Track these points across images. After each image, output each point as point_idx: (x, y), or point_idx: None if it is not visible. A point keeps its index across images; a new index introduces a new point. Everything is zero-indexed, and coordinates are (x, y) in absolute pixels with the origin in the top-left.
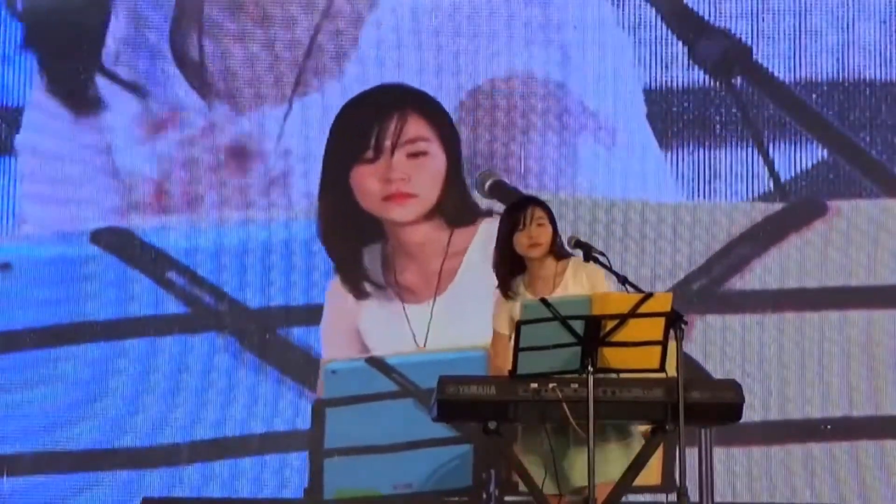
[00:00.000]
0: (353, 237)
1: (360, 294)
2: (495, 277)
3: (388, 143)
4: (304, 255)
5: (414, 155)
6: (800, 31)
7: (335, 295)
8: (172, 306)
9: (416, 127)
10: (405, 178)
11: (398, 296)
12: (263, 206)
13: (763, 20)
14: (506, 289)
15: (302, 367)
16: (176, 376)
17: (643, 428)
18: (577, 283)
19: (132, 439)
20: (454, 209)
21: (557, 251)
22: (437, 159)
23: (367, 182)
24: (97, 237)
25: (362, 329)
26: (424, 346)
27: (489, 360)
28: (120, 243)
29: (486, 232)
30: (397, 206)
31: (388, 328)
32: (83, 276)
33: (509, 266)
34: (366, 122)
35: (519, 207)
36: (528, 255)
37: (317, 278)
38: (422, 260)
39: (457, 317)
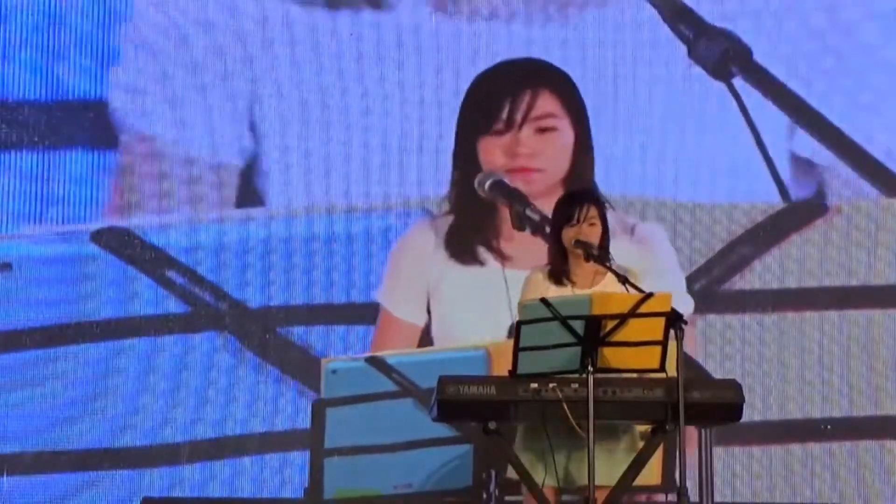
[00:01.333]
0: (469, 208)
1: (469, 259)
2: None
3: (518, 117)
4: (305, 253)
5: (542, 130)
6: (799, 30)
7: (414, 256)
8: (173, 305)
9: (548, 103)
10: (531, 153)
11: (499, 258)
12: (263, 204)
13: (763, 20)
14: (555, 277)
15: (302, 367)
16: (176, 376)
17: (643, 428)
18: (617, 285)
19: (132, 439)
20: (578, 185)
21: (590, 247)
22: (565, 135)
23: (494, 154)
24: (97, 236)
25: (445, 291)
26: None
27: (492, 357)
28: (120, 242)
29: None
30: (521, 180)
31: (483, 292)
32: (83, 276)
33: (559, 257)
34: (499, 95)
35: (574, 202)
36: (572, 250)
37: (317, 277)
38: (530, 240)
39: None
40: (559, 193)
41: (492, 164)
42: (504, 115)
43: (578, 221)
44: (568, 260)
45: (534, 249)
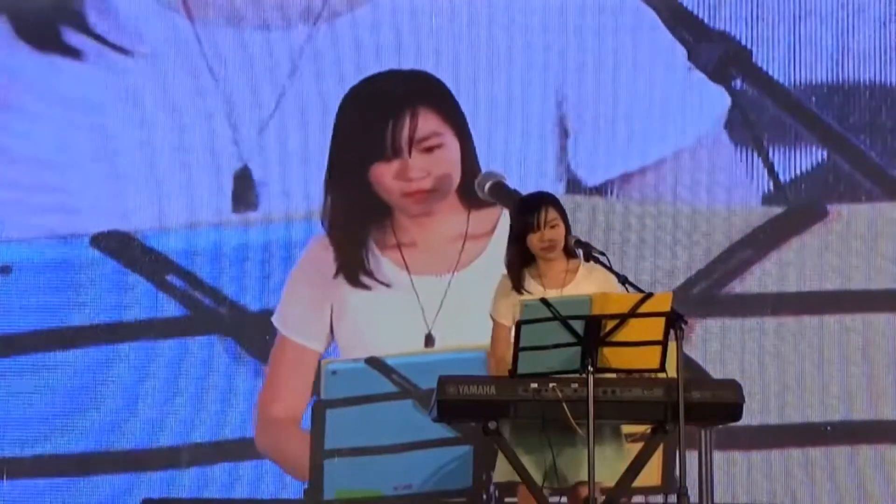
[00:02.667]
0: (359, 227)
1: (356, 283)
2: (507, 272)
3: (403, 144)
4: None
5: (429, 150)
6: (798, 33)
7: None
8: (172, 309)
9: (429, 122)
10: (423, 175)
11: (405, 263)
12: (263, 208)
13: (762, 23)
14: (519, 285)
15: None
16: (175, 379)
17: (641, 428)
18: (589, 283)
19: (131, 442)
20: (470, 191)
21: (569, 249)
22: (451, 148)
23: (385, 179)
24: (97, 240)
25: (350, 319)
26: (432, 325)
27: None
28: (119, 246)
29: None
30: (416, 203)
31: (391, 312)
32: (82, 279)
33: (522, 264)
34: (377, 119)
35: (531, 208)
36: (543, 256)
37: None
38: (436, 239)
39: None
40: (456, 205)
41: (385, 188)
42: (388, 142)
43: (540, 227)
44: (531, 265)
45: (436, 252)
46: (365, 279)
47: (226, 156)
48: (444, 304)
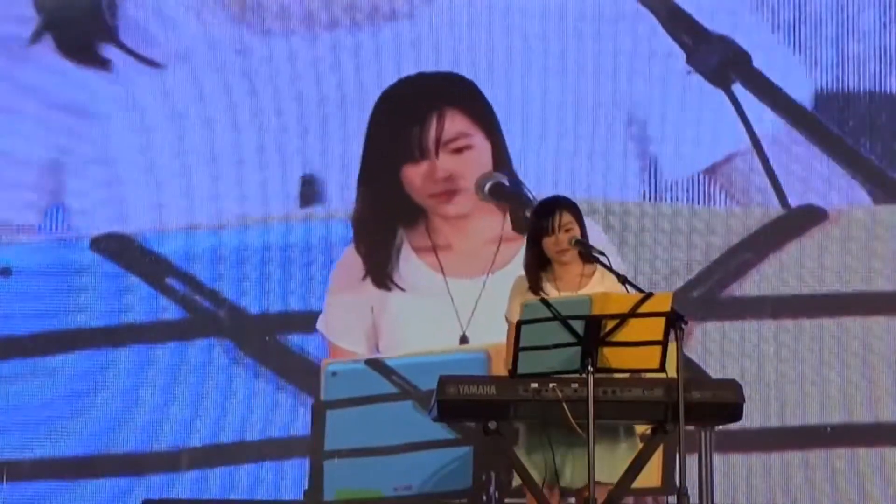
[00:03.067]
0: (390, 229)
1: (382, 286)
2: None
3: (430, 145)
4: (304, 260)
5: (457, 151)
6: (799, 36)
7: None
8: (172, 312)
9: (457, 123)
10: (450, 176)
11: (440, 266)
12: (262, 210)
13: (762, 26)
14: (537, 287)
15: (301, 373)
16: (174, 382)
17: (642, 428)
18: (603, 287)
19: (131, 445)
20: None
21: (590, 246)
22: (481, 150)
23: (415, 180)
24: (96, 243)
25: (387, 320)
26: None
27: (491, 358)
28: (119, 249)
29: None
30: (445, 203)
31: (427, 313)
32: (82, 282)
33: (539, 267)
34: (405, 121)
35: (546, 212)
36: (558, 260)
37: (317, 282)
38: (472, 241)
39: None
40: (492, 208)
41: (414, 190)
42: (416, 143)
43: (554, 231)
44: (548, 268)
45: (472, 255)
46: (392, 282)
47: (227, 158)
48: (479, 305)
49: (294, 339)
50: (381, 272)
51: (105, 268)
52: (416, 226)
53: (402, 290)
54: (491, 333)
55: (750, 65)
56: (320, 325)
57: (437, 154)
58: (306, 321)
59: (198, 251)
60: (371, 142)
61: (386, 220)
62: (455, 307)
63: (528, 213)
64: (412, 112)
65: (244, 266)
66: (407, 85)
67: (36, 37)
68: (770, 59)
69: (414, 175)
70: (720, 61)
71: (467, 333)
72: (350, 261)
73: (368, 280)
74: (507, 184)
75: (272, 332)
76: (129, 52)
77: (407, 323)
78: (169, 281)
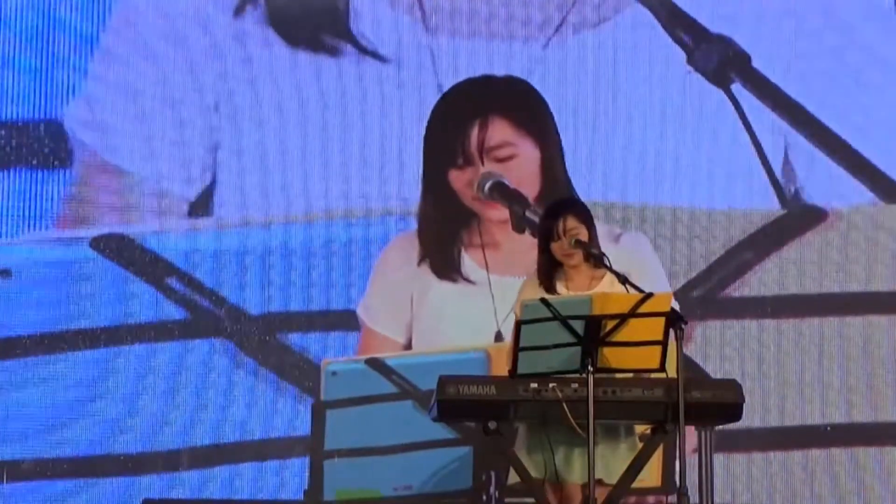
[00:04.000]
0: (448, 225)
1: (442, 275)
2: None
3: (473, 152)
4: (303, 259)
5: (501, 160)
6: (798, 35)
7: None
8: (172, 312)
9: (500, 131)
10: None
11: (484, 266)
12: (264, 209)
13: (761, 25)
14: (550, 289)
15: (301, 372)
16: (174, 381)
17: (641, 428)
18: (613, 289)
19: (130, 444)
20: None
21: (590, 246)
22: (527, 159)
23: (459, 186)
24: (96, 242)
25: (428, 304)
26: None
27: (492, 358)
28: (119, 248)
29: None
30: (490, 208)
31: (467, 303)
32: (81, 282)
33: (551, 268)
34: (452, 128)
35: (552, 216)
36: (565, 262)
37: (316, 283)
38: (520, 242)
39: None
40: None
41: (462, 194)
42: (459, 150)
43: (560, 237)
44: (560, 270)
45: (518, 255)
46: (450, 272)
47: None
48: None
49: (295, 338)
50: (441, 259)
51: (104, 267)
52: (470, 224)
53: (466, 280)
54: None
55: (749, 65)
56: (360, 309)
57: (482, 161)
58: (307, 321)
59: (198, 250)
60: (427, 143)
61: (445, 218)
62: (494, 304)
63: (527, 214)
64: (460, 117)
65: (243, 264)
66: (466, 87)
67: None
68: (769, 54)
69: (459, 180)
70: (720, 61)
71: (503, 331)
72: (400, 248)
73: (418, 267)
74: (508, 184)
75: (272, 332)
76: None
77: (444, 316)
78: (168, 281)
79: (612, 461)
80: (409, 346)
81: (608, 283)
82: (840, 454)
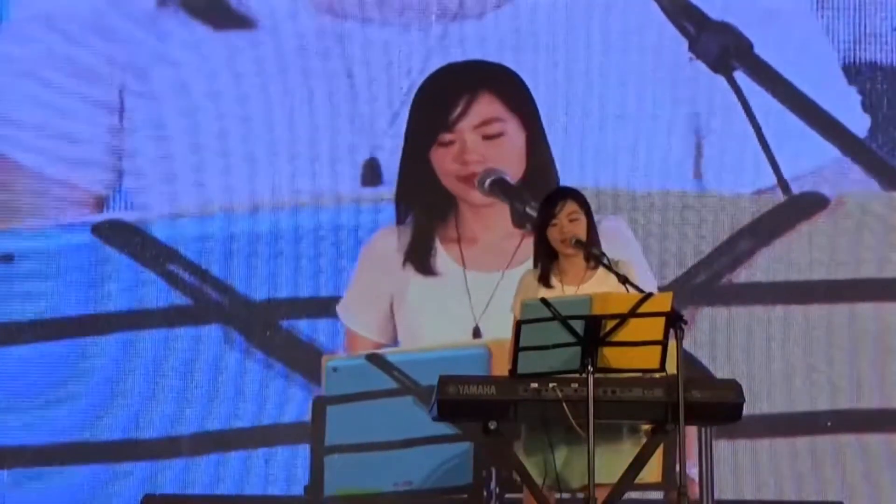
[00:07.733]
0: (427, 214)
1: (430, 269)
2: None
3: (459, 124)
4: (311, 245)
5: (488, 137)
6: (800, 24)
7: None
8: (176, 299)
9: (489, 107)
10: (480, 159)
11: (461, 262)
12: (268, 195)
13: (764, 13)
14: (545, 280)
15: (306, 361)
16: (178, 369)
17: (645, 427)
18: (608, 281)
19: (131, 434)
20: (536, 184)
21: (590, 246)
22: (514, 138)
23: (445, 162)
24: (98, 230)
25: (408, 300)
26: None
27: (493, 355)
28: (122, 236)
29: None
30: (470, 190)
31: (445, 297)
32: (84, 269)
33: (545, 258)
34: (439, 104)
35: (552, 201)
36: (561, 250)
37: (323, 269)
38: (496, 233)
39: None
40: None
41: (444, 172)
42: (445, 123)
43: (558, 220)
44: (556, 259)
45: (495, 251)
46: (427, 268)
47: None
48: (493, 299)
49: (302, 325)
50: (422, 256)
51: (107, 255)
52: (446, 217)
53: (440, 275)
54: (502, 327)
55: (751, 52)
56: (340, 309)
57: (465, 134)
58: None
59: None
60: (409, 127)
61: (423, 208)
62: (471, 300)
63: (527, 210)
64: (447, 95)
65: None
66: (454, 66)
67: None
68: (772, 42)
69: (443, 157)
70: (722, 48)
71: (480, 326)
72: (378, 245)
73: (395, 266)
74: (509, 180)
75: (277, 320)
76: None
77: (423, 312)
78: (172, 268)
79: (614, 462)
80: (390, 346)
81: (602, 274)
82: (848, 441)
